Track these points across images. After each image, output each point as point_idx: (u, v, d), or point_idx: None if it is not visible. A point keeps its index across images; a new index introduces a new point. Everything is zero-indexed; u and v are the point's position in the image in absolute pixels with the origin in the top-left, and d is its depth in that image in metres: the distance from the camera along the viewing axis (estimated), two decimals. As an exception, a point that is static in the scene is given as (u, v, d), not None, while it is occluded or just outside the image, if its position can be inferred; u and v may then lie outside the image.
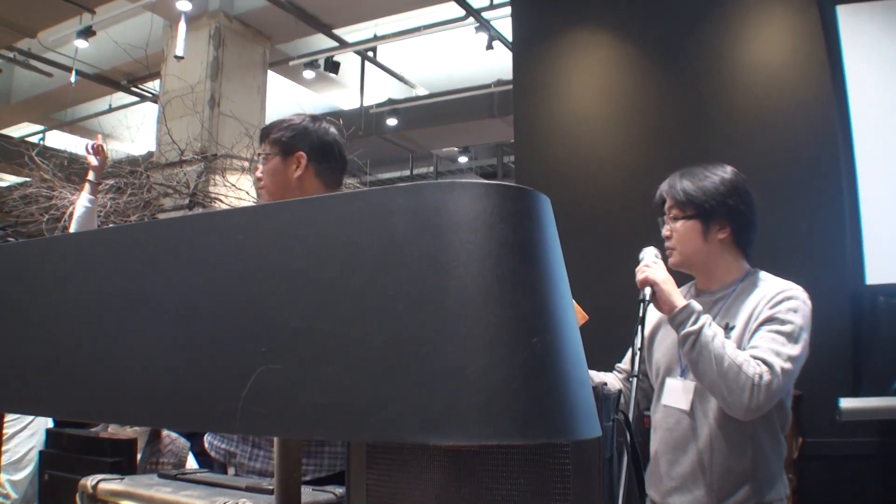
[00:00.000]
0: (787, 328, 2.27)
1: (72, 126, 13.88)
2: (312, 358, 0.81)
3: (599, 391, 1.27)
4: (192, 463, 2.96)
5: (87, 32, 9.54)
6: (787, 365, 2.21)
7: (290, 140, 2.58)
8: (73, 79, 10.73)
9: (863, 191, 4.42)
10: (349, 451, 1.43)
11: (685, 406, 2.41)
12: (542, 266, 0.81)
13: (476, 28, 9.68)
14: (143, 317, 0.96)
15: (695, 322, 2.26)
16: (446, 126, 12.88)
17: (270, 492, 1.55)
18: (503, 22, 9.09)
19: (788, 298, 2.33)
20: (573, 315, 0.86)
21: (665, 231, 2.55)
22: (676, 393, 2.45)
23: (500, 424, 0.73)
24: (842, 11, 4.62)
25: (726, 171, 2.50)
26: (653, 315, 2.57)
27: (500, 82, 11.29)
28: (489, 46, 9.78)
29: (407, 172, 16.40)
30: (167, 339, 0.93)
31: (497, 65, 10.33)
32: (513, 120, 6.37)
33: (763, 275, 2.49)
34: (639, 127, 5.48)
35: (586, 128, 5.69)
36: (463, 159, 16.10)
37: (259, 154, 2.66)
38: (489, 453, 1.28)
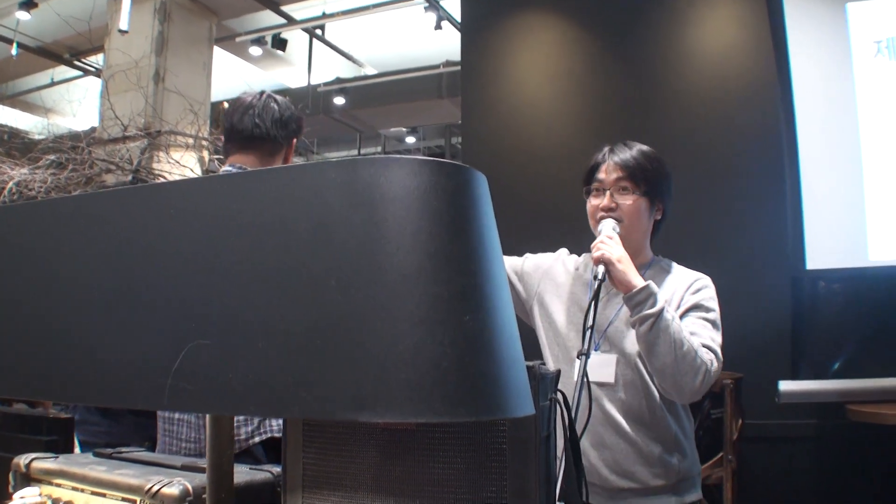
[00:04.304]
0: (711, 316, 2.35)
1: (13, 100, 13.60)
2: (243, 334, 0.81)
3: (536, 370, 1.27)
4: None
5: (29, 4, 9.32)
6: (720, 351, 2.29)
7: None
8: (14, 52, 10.50)
9: (805, 176, 4.48)
10: (285, 429, 1.42)
11: (610, 379, 2.40)
12: (476, 244, 0.81)
13: (425, 7, 9.64)
14: (70, 291, 0.94)
15: (654, 305, 2.23)
16: (394, 106, 12.81)
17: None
18: (452, 2, 9.05)
19: (705, 287, 2.41)
20: (507, 293, 0.86)
21: (607, 202, 2.45)
22: (598, 367, 2.39)
23: (431, 402, 0.73)
24: (787, -1, 4.67)
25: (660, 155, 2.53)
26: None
27: (448, 63, 11.26)
28: (438, 26, 9.74)
29: (355, 152, 16.31)
30: (94, 313, 0.91)
31: (446, 45, 10.28)
32: (460, 101, 6.37)
33: (669, 262, 2.55)
34: (585, 109, 5.50)
35: (534, 109, 5.70)
36: (411, 139, 16.05)
37: None
38: (426, 431, 1.28)
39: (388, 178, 0.78)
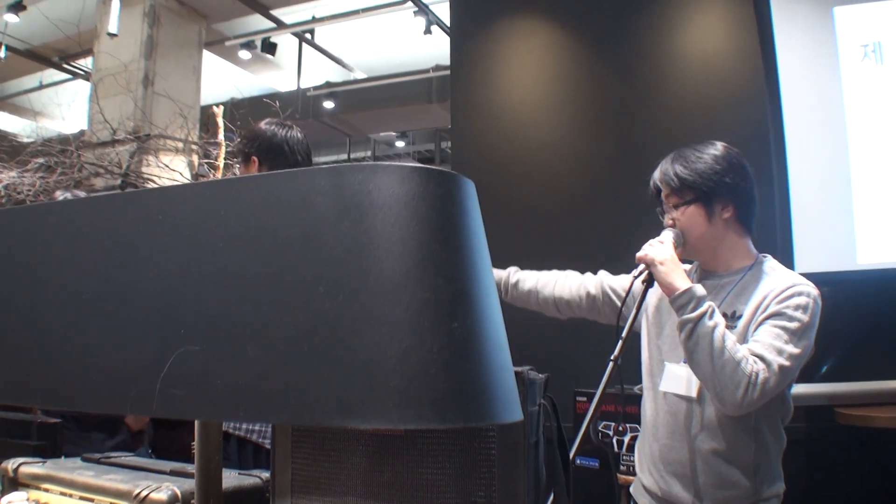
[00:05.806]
0: (792, 325, 2.19)
1: (1, 102, 13.57)
2: (231, 340, 0.81)
3: (524, 376, 1.27)
4: None
5: (17, 7, 9.29)
6: (787, 363, 2.15)
7: (244, 147, 2.91)
8: (2, 54, 10.47)
9: (793, 180, 4.49)
10: (274, 435, 1.42)
11: (692, 393, 2.33)
12: (465, 250, 0.81)
13: (415, 12, 9.64)
14: (58, 296, 0.94)
15: (695, 309, 2.17)
16: (384, 110, 12.81)
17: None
18: (442, 6, 9.05)
19: (798, 294, 2.24)
20: (496, 299, 0.86)
21: (667, 220, 2.45)
22: (680, 380, 2.37)
23: (419, 408, 0.73)
24: (775, 1, 4.68)
25: (717, 149, 2.42)
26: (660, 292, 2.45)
27: (438, 67, 11.26)
28: (427, 31, 9.75)
29: (344, 156, 16.30)
30: (82, 319, 0.91)
31: (436, 50, 10.31)
32: (450, 105, 6.37)
33: (773, 264, 2.43)
34: (575, 113, 5.50)
35: (523, 114, 5.70)
36: (400, 144, 16.05)
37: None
38: (415, 437, 1.28)
39: (377, 185, 0.79)
